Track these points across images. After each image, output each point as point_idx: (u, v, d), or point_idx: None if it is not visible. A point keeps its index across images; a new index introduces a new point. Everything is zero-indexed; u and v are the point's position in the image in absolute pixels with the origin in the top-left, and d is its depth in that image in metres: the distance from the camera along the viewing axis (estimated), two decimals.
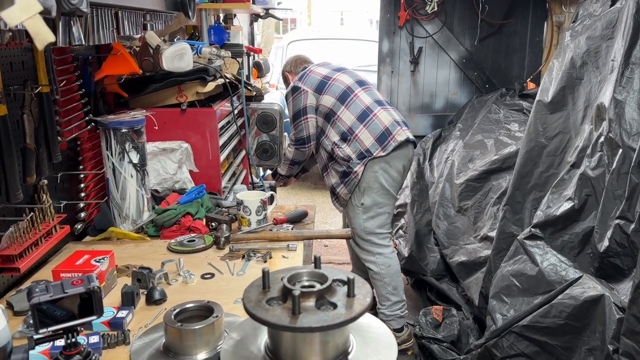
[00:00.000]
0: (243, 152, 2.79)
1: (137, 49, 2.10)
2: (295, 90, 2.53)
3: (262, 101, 3.07)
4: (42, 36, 0.78)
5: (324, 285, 0.84)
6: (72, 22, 1.23)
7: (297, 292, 0.79)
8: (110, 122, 1.80)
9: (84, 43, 1.28)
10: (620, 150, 1.99)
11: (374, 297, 2.58)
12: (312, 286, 0.85)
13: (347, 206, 2.55)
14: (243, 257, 1.66)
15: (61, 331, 0.92)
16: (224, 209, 2.05)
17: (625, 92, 2.00)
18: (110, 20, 1.46)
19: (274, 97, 5.70)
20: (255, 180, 2.66)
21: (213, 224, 1.88)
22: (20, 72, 1.51)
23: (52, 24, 1.19)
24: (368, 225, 2.51)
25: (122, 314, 1.28)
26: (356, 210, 2.51)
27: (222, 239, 1.73)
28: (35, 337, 0.92)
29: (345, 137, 2.42)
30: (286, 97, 2.61)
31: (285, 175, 2.74)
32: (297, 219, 2.01)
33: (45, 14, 0.96)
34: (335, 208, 2.69)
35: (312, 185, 6.43)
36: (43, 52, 1.46)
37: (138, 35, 2.08)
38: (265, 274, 0.86)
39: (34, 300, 0.89)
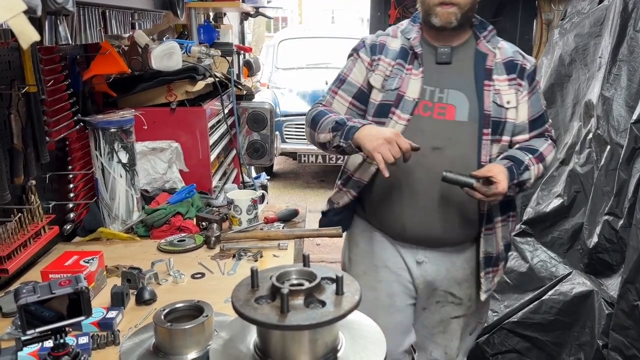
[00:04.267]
0: (234, 151, 2.79)
1: (126, 48, 2.09)
2: None
3: (253, 100, 3.07)
4: (27, 35, 0.78)
5: (313, 284, 0.84)
6: (58, 21, 1.22)
7: (285, 291, 0.79)
8: (98, 122, 1.79)
9: (70, 42, 1.27)
10: (608, 147, 2.01)
11: None
12: (301, 284, 0.85)
13: None
14: (234, 256, 1.66)
15: (49, 332, 0.92)
16: (214, 208, 2.04)
17: (613, 89, 2.02)
18: (98, 20, 1.45)
19: (265, 96, 5.70)
20: (247, 179, 2.65)
21: (203, 223, 1.87)
22: (7, 71, 1.50)
23: (38, 23, 1.18)
24: None
25: (111, 314, 1.27)
26: None
27: (213, 238, 1.73)
28: (23, 338, 0.91)
29: None
30: None
31: None
32: (288, 217, 2.01)
33: (30, 13, 0.96)
34: None
35: (304, 184, 6.43)
36: (30, 51, 1.44)
37: (127, 35, 2.07)
38: (254, 273, 0.86)
39: (21, 301, 0.88)
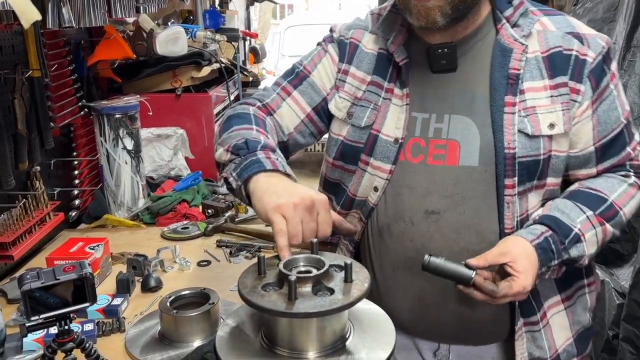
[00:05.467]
0: None
1: (131, 33, 2.06)
2: None
3: (259, 87, 3.04)
4: (28, 15, 0.76)
5: (321, 271, 0.82)
6: (61, 3, 1.20)
7: (293, 278, 0.77)
8: (103, 108, 1.77)
9: (74, 25, 1.25)
10: None
11: None
12: (309, 271, 0.83)
13: None
14: (231, 253, 1.57)
15: (53, 318, 0.90)
16: (220, 195, 2.03)
17: (627, 76, 1.98)
18: (102, 2, 1.42)
19: (270, 83, 5.66)
20: None
21: (209, 211, 1.86)
22: (10, 56, 1.48)
23: (41, 6, 1.16)
24: None
25: (117, 301, 1.26)
26: None
27: (210, 227, 1.71)
28: (28, 324, 0.90)
29: None
30: None
31: None
32: None
33: None
34: None
35: (310, 173, 6.41)
36: (33, 35, 1.42)
37: (131, 19, 2.04)
38: (260, 260, 0.84)
39: (25, 287, 0.87)
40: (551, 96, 1.01)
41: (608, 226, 1.03)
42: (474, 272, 0.94)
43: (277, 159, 0.95)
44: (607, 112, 1.04)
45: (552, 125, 1.00)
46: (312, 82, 1.16)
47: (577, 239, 0.99)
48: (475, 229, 1.03)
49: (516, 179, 1.00)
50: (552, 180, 1.05)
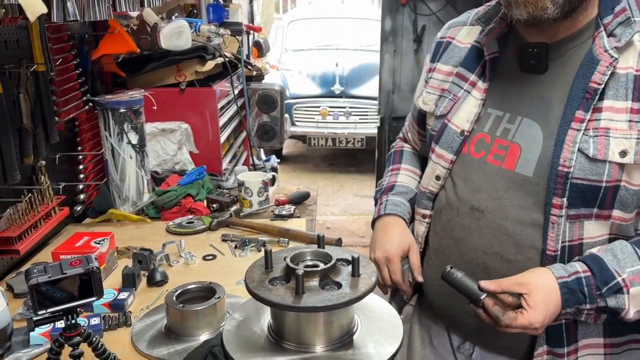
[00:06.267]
0: (244, 133, 2.76)
1: (135, 27, 2.06)
2: None
3: (263, 81, 3.04)
4: (34, 8, 0.75)
5: (328, 265, 0.82)
6: None
7: (300, 272, 0.77)
8: (108, 102, 1.77)
9: (78, 19, 1.24)
10: None
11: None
12: (316, 265, 0.83)
13: None
14: (236, 247, 1.58)
15: (60, 313, 0.91)
16: (225, 190, 2.02)
17: None
18: None
19: (275, 78, 5.65)
20: (257, 161, 2.63)
21: (214, 205, 1.86)
22: (15, 50, 1.48)
23: None
24: None
25: (123, 295, 1.26)
26: None
27: (215, 221, 1.70)
28: (35, 318, 0.91)
29: None
30: None
31: None
32: (300, 200, 1.99)
33: None
34: None
35: (313, 167, 6.40)
36: (38, 29, 1.42)
37: (135, 14, 2.04)
38: (267, 254, 0.85)
39: (32, 281, 0.87)
40: (630, 120, 0.90)
41: None
42: (485, 295, 0.92)
43: (385, 201, 1.23)
44: None
45: (624, 153, 0.90)
46: (414, 99, 1.27)
47: (618, 289, 0.89)
48: (514, 238, 0.99)
49: (565, 200, 0.93)
50: (621, 214, 0.93)
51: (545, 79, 0.99)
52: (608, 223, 0.94)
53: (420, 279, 1.12)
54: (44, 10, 0.78)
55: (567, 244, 0.95)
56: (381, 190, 1.27)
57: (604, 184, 0.91)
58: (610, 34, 0.93)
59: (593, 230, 0.94)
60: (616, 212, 0.93)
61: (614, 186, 0.91)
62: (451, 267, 0.96)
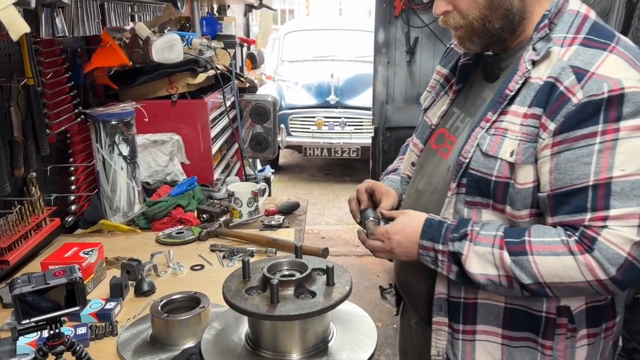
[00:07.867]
0: (237, 144, 2.79)
1: (127, 40, 2.09)
2: None
3: (256, 93, 3.07)
4: (17, 27, 0.78)
5: (303, 274, 0.84)
6: (55, 13, 1.23)
7: (275, 281, 0.79)
8: (99, 115, 1.79)
9: (67, 35, 1.27)
10: None
11: None
12: (292, 275, 0.86)
13: None
14: (224, 257, 1.60)
15: (44, 322, 0.92)
16: (215, 200, 2.05)
17: None
18: (96, 12, 1.45)
19: (271, 88, 5.69)
20: (249, 171, 2.65)
21: (204, 215, 1.88)
22: (6, 64, 1.51)
23: (35, 15, 1.18)
24: None
25: (110, 305, 1.28)
26: None
27: (204, 231, 1.72)
28: (19, 327, 0.92)
29: None
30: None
31: None
32: (289, 210, 2.01)
33: (23, 4, 0.96)
34: None
35: (309, 177, 6.42)
36: (26, 43, 1.45)
37: (128, 27, 2.07)
38: (245, 264, 0.87)
39: (16, 291, 0.89)
40: (521, 124, 0.99)
41: (506, 255, 0.96)
42: (373, 218, 1.15)
43: (384, 179, 1.37)
44: (571, 162, 0.94)
45: (512, 153, 0.99)
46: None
47: (464, 236, 1.00)
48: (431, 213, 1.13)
49: (455, 184, 1.06)
50: (511, 210, 1.01)
51: (495, 85, 1.10)
52: (504, 217, 1.03)
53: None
54: (27, 29, 0.80)
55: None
56: (386, 172, 1.42)
57: (493, 178, 1.01)
58: (533, 48, 1.02)
59: (490, 218, 1.05)
60: (507, 208, 1.02)
61: (504, 183, 1.00)
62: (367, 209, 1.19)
